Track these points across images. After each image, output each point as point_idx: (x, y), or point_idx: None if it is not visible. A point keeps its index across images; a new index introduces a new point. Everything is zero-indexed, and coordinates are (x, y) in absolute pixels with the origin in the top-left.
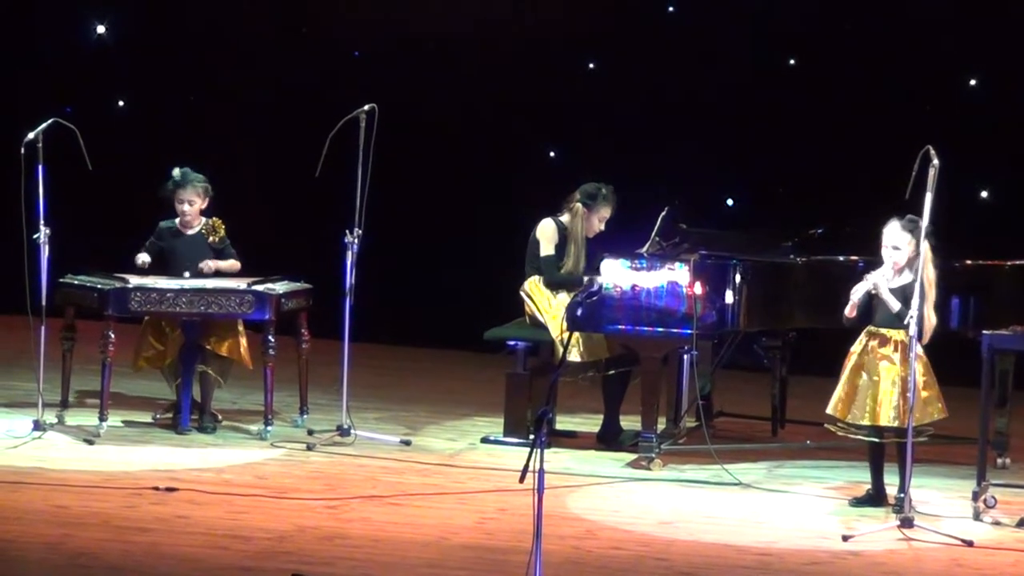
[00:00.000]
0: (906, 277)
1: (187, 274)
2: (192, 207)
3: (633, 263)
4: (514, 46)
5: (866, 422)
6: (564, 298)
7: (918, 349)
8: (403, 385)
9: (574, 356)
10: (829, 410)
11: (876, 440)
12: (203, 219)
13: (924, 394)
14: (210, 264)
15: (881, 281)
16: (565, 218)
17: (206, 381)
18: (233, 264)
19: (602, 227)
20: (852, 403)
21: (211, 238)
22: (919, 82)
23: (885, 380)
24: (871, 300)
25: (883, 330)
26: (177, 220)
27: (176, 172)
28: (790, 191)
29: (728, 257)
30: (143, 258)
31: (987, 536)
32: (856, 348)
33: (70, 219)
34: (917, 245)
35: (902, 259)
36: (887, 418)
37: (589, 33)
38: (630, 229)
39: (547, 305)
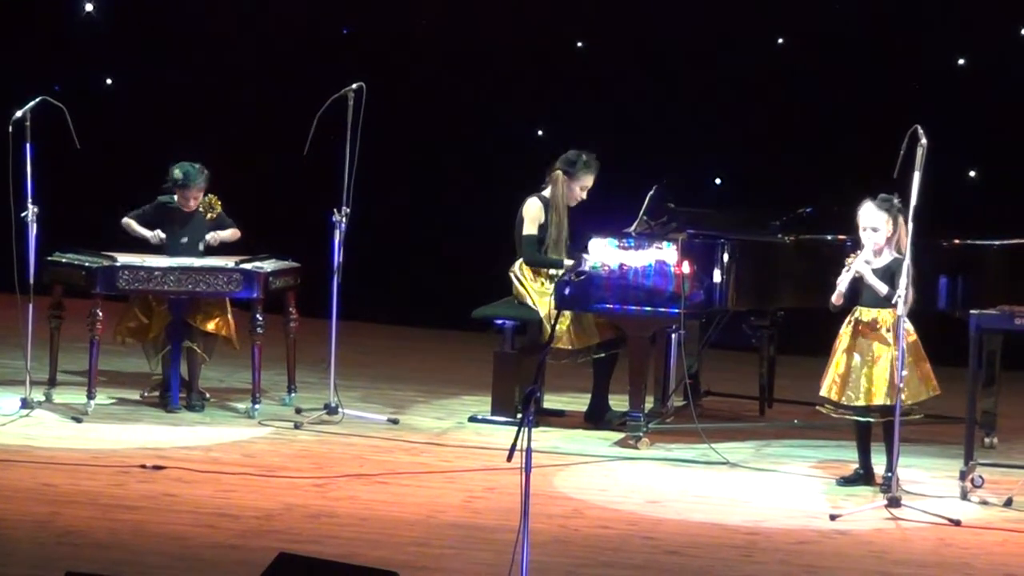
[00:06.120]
0: (886, 256)
1: (185, 239)
2: (197, 201)
3: (621, 242)
4: (503, 23)
5: (861, 403)
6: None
7: (908, 326)
8: (390, 364)
9: (564, 343)
10: (823, 392)
11: (870, 420)
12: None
13: (924, 366)
14: (216, 235)
15: (863, 267)
16: (548, 192)
17: (193, 359)
18: (234, 232)
19: (583, 196)
20: (846, 385)
21: (209, 215)
22: (907, 61)
23: (880, 359)
24: (857, 282)
25: (871, 310)
26: (177, 197)
27: (177, 172)
28: (778, 170)
29: (716, 236)
30: (161, 236)
31: (974, 515)
32: (845, 330)
33: (58, 197)
34: (895, 223)
35: (881, 239)
36: (882, 397)
37: (578, 10)
38: (618, 208)
39: (537, 288)
